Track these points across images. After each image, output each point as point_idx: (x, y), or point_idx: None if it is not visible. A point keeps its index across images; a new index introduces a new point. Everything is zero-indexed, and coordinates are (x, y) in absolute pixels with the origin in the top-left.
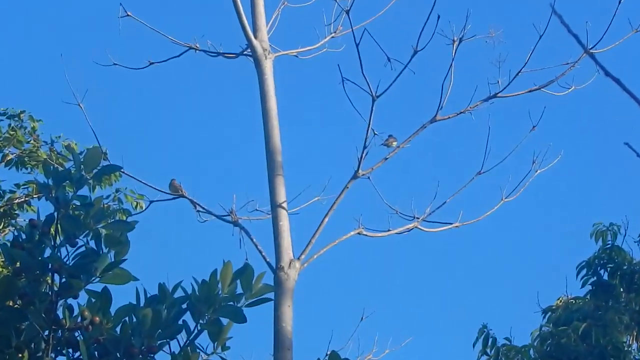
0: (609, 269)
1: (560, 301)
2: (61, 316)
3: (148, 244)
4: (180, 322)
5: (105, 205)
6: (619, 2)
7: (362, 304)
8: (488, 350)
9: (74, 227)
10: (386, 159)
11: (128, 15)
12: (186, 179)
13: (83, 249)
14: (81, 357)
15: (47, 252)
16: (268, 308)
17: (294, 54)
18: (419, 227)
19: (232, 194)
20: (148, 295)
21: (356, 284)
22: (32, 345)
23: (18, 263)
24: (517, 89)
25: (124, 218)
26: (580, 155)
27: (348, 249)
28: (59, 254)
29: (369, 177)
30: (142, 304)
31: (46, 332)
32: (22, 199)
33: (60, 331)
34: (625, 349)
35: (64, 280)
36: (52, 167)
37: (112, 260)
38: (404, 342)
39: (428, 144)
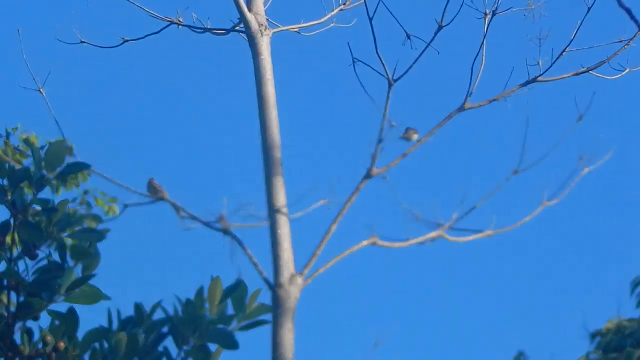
0: None
1: (611, 324)
2: (19, 341)
3: (122, 256)
4: (160, 348)
5: (71, 210)
6: None
7: (376, 327)
8: None
9: (33, 236)
10: (405, 155)
11: None
12: (167, 178)
13: (45, 262)
14: None
15: (2, 266)
16: (265, 332)
17: (296, 29)
18: (444, 235)
19: (221, 196)
20: (122, 317)
21: (369, 303)
22: None
23: None
24: (560, 71)
25: (94, 225)
26: (636, 150)
27: (360, 261)
28: (16, 268)
29: (384, 177)
30: (115, 327)
31: None
32: None
33: (18, 359)
34: None
35: (22, 299)
36: (7, 164)
37: (80, 275)
38: None
39: (455, 137)
